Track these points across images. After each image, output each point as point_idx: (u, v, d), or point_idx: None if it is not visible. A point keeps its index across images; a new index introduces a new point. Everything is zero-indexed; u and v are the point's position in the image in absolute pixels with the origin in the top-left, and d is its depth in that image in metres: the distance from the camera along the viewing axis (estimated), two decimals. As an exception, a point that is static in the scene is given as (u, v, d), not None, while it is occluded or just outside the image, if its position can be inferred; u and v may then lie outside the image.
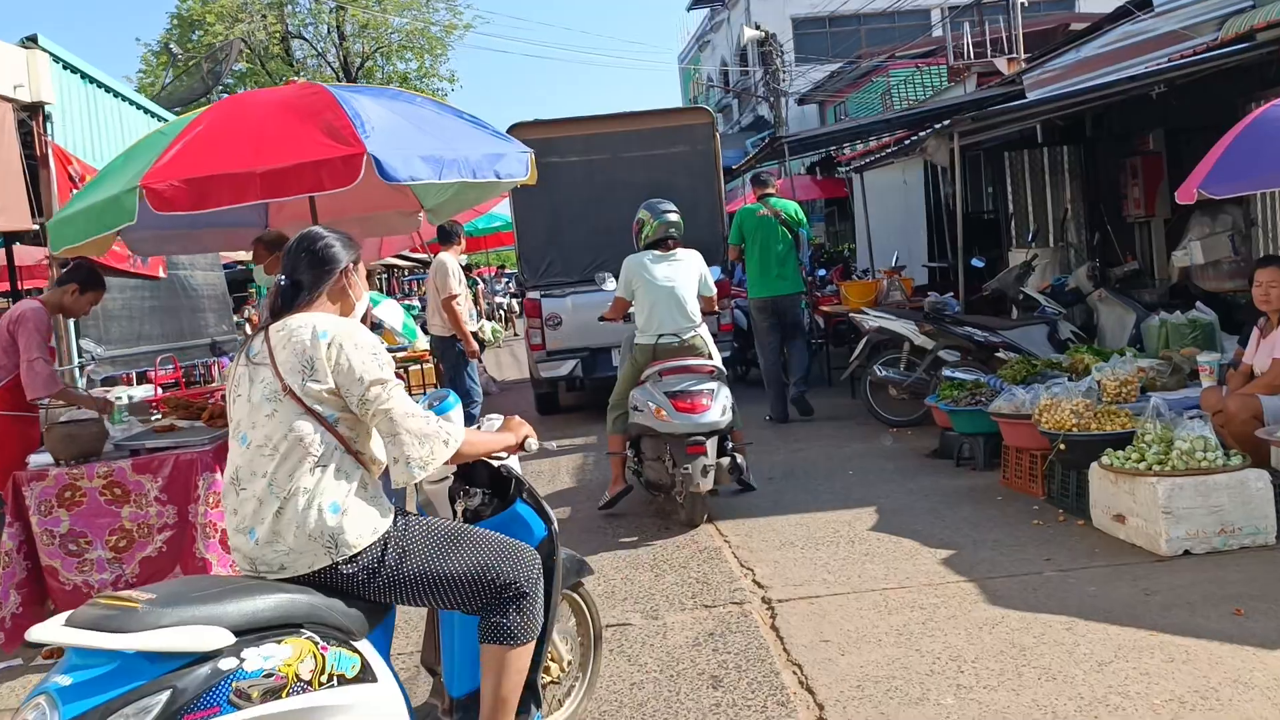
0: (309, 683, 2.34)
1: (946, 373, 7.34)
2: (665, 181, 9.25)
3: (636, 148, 9.95)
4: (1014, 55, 16.30)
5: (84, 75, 9.05)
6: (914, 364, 8.06)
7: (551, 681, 3.24)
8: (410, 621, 4.30)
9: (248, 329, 11.73)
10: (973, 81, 15.41)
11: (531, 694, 2.92)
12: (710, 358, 6.19)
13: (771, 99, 26.61)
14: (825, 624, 4.16)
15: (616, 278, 6.43)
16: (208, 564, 4.63)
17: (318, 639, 2.40)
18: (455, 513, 3.07)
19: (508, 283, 25.03)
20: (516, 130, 8.84)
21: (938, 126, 8.85)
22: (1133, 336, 7.67)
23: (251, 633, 2.30)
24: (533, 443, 3.04)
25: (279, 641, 2.33)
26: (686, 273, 6.20)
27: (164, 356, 8.86)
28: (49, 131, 8.14)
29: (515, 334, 20.99)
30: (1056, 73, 10.33)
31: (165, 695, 2.14)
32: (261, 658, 2.27)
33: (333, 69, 28.62)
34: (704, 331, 6.27)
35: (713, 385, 5.83)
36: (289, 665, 2.31)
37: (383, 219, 6.44)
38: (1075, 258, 11.10)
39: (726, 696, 3.61)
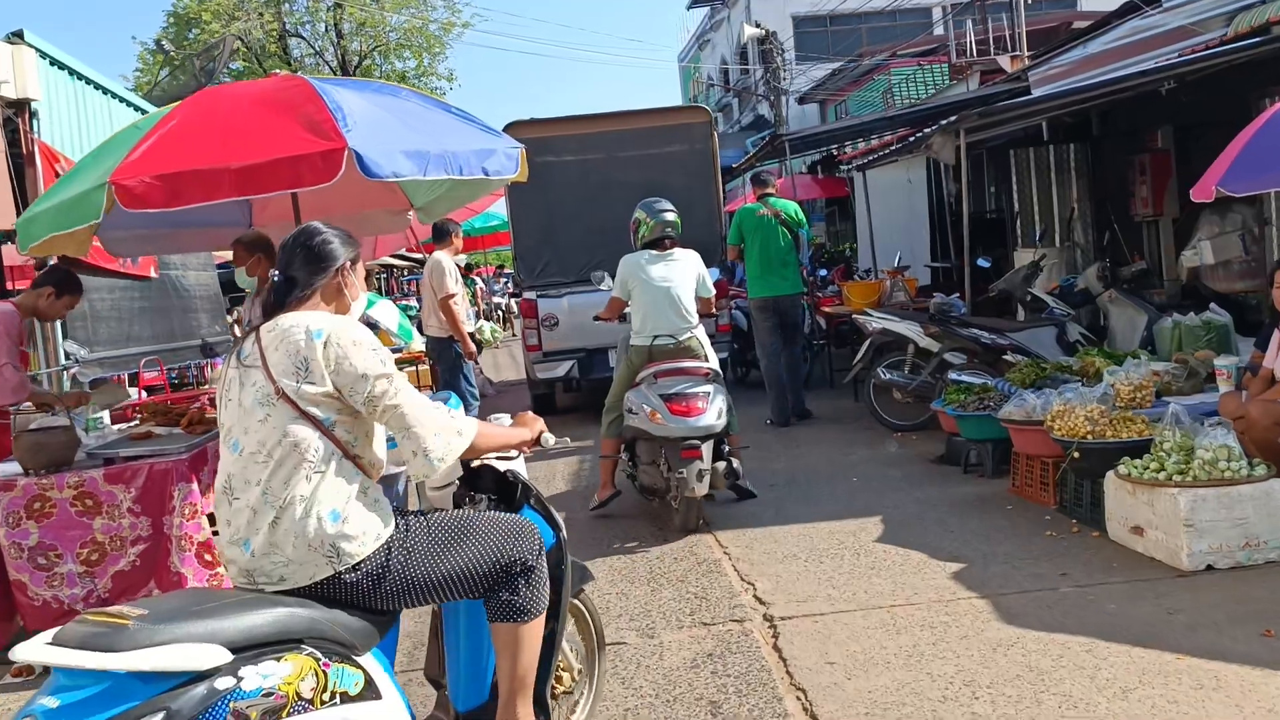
0: (310, 701, 2.22)
1: (952, 376, 7.15)
2: (662, 181, 9.13)
3: (633, 147, 9.86)
4: (1017, 53, 16.12)
5: (71, 71, 8.87)
6: (919, 367, 7.87)
7: (564, 692, 3.12)
8: (412, 633, 4.12)
9: (237, 330, 11.54)
10: (975, 79, 15.22)
11: (541, 709, 2.81)
12: (706, 359, 6.07)
13: (772, 98, 26.44)
14: (830, 644, 3.95)
15: (614, 278, 6.30)
16: (183, 578, 4.44)
17: (319, 655, 2.28)
18: None
19: (506, 283, 24.83)
20: (512, 129, 8.70)
21: (944, 123, 8.64)
22: (1144, 339, 7.46)
23: (249, 649, 2.18)
24: (549, 438, 2.96)
25: (278, 658, 2.21)
26: (683, 273, 6.08)
27: (149, 359, 8.65)
28: (35, 128, 7.97)
29: (513, 335, 20.78)
30: (1063, 69, 10.13)
31: (159, 718, 2.03)
32: (260, 676, 2.16)
33: (330, 67, 28.41)
34: (700, 333, 6.16)
35: (708, 388, 5.70)
36: (289, 683, 2.20)
37: (371, 218, 6.24)
38: (1082, 258, 10.91)
39: (726, 724, 3.40)
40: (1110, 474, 4.88)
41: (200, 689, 2.07)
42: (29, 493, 4.39)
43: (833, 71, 26.50)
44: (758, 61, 28.87)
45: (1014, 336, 7.65)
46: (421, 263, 10.02)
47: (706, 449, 5.56)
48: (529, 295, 9.65)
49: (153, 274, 9.04)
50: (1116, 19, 9.72)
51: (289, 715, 2.17)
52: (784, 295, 8.57)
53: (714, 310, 6.76)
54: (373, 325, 10.60)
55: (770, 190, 8.87)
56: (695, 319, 6.11)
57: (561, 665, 3.08)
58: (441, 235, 8.04)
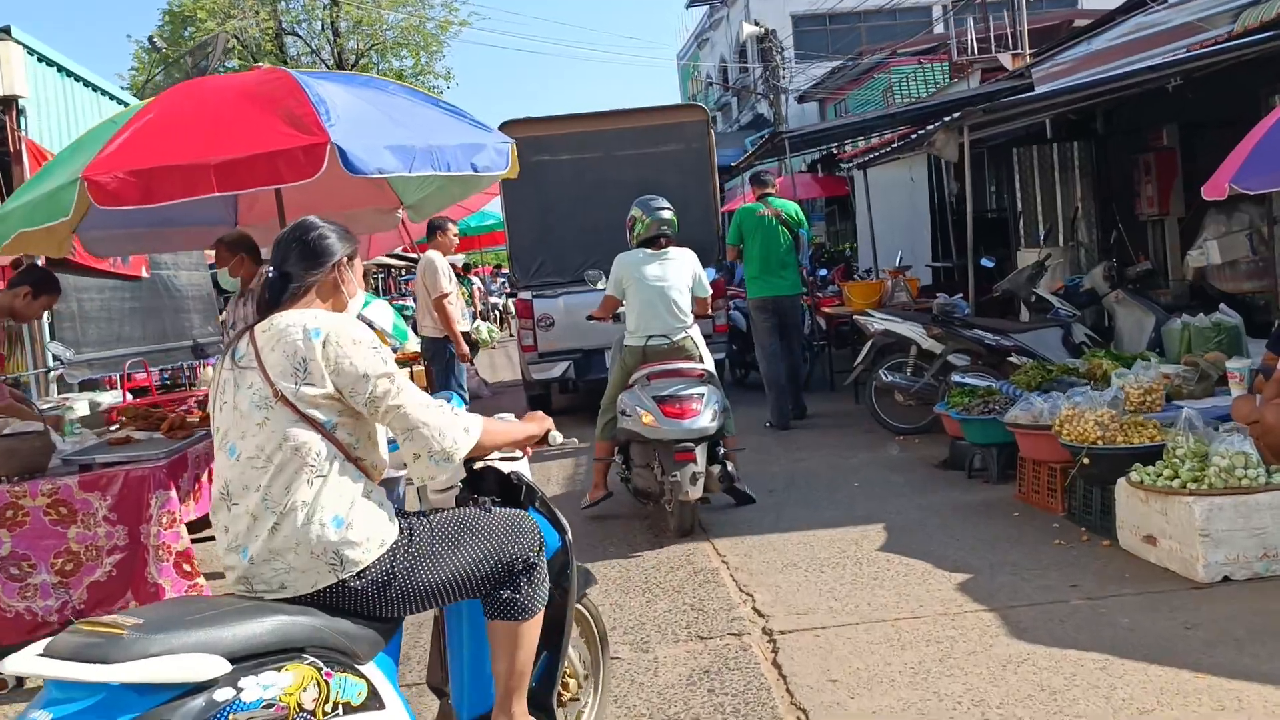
0: (312, 713, 2.14)
1: (956, 378, 6.98)
2: (659, 180, 8.97)
3: (630, 145, 9.73)
4: (1019, 51, 15.99)
5: (60, 68, 8.73)
6: (921, 368, 7.71)
7: (571, 699, 3.02)
8: (414, 639, 3.98)
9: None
10: (976, 78, 15.08)
11: (547, 716, 2.77)
12: (701, 360, 5.93)
13: (771, 96, 26.30)
14: (832, 660, 3.79)
15: (609, 277, 6.15)
16: (160, 589, 4.28)
17: (321, 664, 2.20)
18: None
19: (503, 283, 24.69)
20: (507, 128, 8.54)
21: (947, 119, 8.48)
22: (1152, 340, 7.31)
23: (249, 659, 2.10)
24: (556, 436, 2.89)
25: (279, 668, 2.13)
26: (679, 272, 5.94)
27: (134, 360, 8.49)
28: (22, 126, 7.83)
29: (510, 335, 20.62)
30: (1066, 66, 9.97)
31: None
32: (260, 687, 2.08)
33: (327, 66, 28.17)
34: (695, 333, 6.02)
35: (703, 389, 5.58)
36: (290, 694, 2.11)
37: (359, 216, 6.07)
38: (1087, 257, 10.76)
39: (724, 746, 3.25)
40: (1122, 481, 4.72)
41: (198, 701, 2.00)
42: (0, 500, 4.24)
43: (832, 70, 26.37)
44: (757, 60, 28.77)
45: (1019, 338, 7.49)
46: (417, 262, 9.91)
47: (700, 451, 5.44)
48: (524, 295, 9.52)
49: (144, 274, 8.90)
50: (1121, 15, 9.57)
51: None
52: (784, 296, 8.46)
53: (710, 310, 6.64)
54: (368, 325, 10.44)
55: (770, 190, 8.76)
56: (690, 319, 5.99)
57: (567, 672, 3.00)
58: (433, 233, 7.89)
